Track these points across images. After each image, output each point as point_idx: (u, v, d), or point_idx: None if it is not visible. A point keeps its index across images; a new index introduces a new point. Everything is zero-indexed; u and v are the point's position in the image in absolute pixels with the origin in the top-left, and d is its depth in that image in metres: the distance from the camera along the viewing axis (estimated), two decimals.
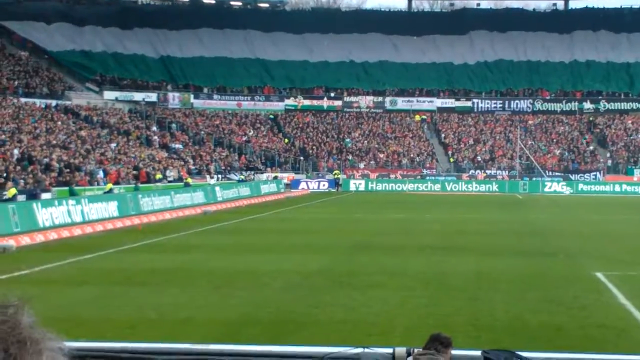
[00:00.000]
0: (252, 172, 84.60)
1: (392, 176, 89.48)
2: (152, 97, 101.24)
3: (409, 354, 7.40)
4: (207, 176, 76.86)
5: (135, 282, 21.80)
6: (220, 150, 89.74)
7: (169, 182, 67.60)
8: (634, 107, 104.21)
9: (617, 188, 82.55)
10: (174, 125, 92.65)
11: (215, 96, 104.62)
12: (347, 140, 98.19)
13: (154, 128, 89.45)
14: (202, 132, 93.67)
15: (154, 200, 49.44)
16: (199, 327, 15.51)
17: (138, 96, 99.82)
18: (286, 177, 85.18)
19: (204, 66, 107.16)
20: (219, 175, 79.67)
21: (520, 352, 7.04)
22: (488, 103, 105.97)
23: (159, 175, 67.86)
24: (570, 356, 7.87)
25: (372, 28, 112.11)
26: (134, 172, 66.48)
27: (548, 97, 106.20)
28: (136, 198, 47.77)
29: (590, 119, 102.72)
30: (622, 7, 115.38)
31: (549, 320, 16.36)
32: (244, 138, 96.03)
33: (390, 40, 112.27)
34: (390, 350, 7.54)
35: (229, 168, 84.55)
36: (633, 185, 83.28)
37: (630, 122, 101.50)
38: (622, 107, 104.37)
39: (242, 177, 79.21)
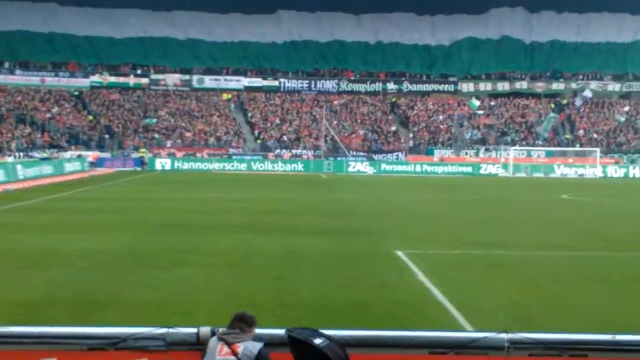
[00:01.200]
0: (56, 150, 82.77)
1: (199, 155, 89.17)
2: None
3: (213, 334, 7.47)
4: (7, 154, 74.74)
5: None
6: (23, 127, 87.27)
7: None
8: (435, 89, 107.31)
9: (418, 168, 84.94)
10: None
11: (17, 71, 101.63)
12: (149, 119, 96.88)
13: None
14: (3, 109, 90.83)
15: None
16: None
17: None
18: (91, 155, 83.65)
19: (6, 40, 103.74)
20: (21, 153, 77.61)
21: (323, 330, 7.21)
22: (295, 83, 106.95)
23: None
24: (370, 333, 8.11)
25: (180, 4, 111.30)
26: None
27: (353, 78, 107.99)
28: None
29: (394, 99, 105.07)
30: None
31: (352, 298, 16.68)
32: (48, 115, 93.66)
33: (198, 18, 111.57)
34: (194, 330, 7.59)
35: (31, 146, 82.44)
36: (433, 166, 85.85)
37: (431, 103, 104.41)
38: (424, 89, 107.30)
39: (45, 155, 77.47)
